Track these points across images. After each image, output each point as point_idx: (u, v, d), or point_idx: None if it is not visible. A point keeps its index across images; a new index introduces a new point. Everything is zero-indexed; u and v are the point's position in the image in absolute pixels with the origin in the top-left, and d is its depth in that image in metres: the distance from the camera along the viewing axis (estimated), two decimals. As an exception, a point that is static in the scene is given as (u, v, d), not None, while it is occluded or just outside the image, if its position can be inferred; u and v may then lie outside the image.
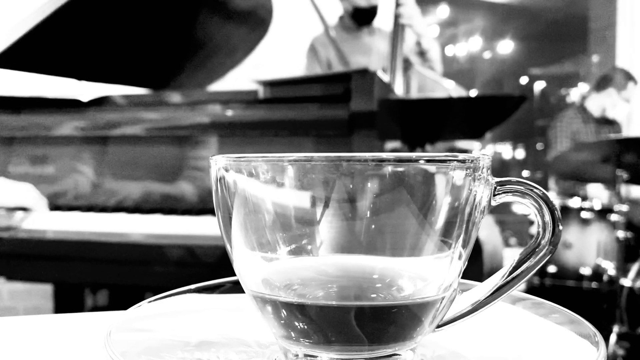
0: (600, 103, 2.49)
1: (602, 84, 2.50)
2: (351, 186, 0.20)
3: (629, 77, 2.47)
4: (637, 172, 1.78)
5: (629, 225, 1.83)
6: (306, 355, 0.23)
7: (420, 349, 0.24)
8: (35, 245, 0.97)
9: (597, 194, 2.32)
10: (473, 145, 1.80)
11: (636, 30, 3.24)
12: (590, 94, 2.57)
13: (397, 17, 1.64)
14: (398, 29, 1.63)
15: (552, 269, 2.08)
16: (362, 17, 1.85)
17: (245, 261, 0.23)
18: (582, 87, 4.37)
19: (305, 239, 0.21)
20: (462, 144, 1.72)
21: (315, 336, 0.22)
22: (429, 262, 0.21)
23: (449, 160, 0.21)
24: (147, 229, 0.94)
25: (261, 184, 0.21)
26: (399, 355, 0.23)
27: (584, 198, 2.24)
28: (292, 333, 0.22)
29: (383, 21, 1.89)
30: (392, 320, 0.21)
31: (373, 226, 0.20)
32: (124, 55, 1.40)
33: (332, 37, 1.72)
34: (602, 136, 2.45)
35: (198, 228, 0.93)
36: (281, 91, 1.04)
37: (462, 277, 0.24)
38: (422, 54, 1.73)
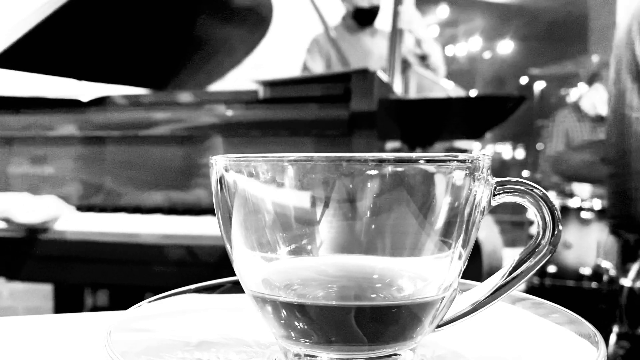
0: (591, 100, 2.50)
1: (591, 80, 2.52)
2: (351, 186, 0.20)
3: None
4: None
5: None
6: (306, 355, 0.23)
7: (420, 349, 0.24)
8: (36, 246, 0.97)
9: (582, 192, 2.30)
10: (472, 145, 1.80)
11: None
12: (585, 93, 2.59)
13: (395, 19, 1.64)
14: (396, 30, 1.63)
15: (552, 269, 2.08)
16: (363, 18, 1.85)
17: (245, 261, 0.23)
18: (582, 87, 4.38)
19: (305, 239, 0.21)
20: (462, 144, 1.72)
21: (315, 336, 0.22)
22: (429, 262, 0.21)
23: (449, 160, 0.21)
24: (147, 229, 0.94)
25: (261, 184, 0.21)
26: (399, 355, 0.23)
27: (566, 194, 2.23)
28: (292, 333, 0.22)
29: (385, 22, 1.89)
30: (392, 320, 0.21)
31: (373, 226, 0.20)
32: (124, 55, 1.40)
33: (332, 38, 1.72)
34: (600, 136, 2.45)
35: (198, 228, 0.93)
36: (281, 91, 1.04)
37: (462, 277, 0.24)
38: (423, 58, 1.73)
